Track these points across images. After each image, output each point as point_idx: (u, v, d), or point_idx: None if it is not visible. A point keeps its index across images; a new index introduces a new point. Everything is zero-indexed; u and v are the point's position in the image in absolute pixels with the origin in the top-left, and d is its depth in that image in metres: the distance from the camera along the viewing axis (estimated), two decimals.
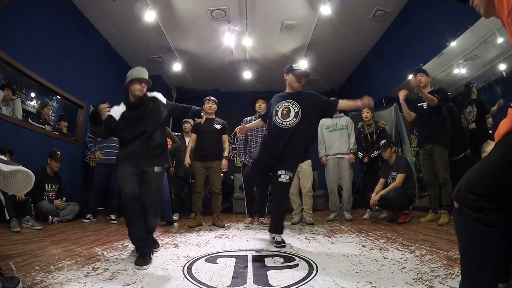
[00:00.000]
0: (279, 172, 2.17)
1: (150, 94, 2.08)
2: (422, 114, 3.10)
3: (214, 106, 3.46)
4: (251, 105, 3.66)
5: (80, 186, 4.58)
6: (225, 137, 3.46)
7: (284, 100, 2.31)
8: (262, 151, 2.35)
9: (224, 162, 3.40)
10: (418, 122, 3.17)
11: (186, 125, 4.36)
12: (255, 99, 3.60)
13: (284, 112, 2.24)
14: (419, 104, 3.14)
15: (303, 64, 5.92)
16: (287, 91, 2.38)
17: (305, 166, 3.59)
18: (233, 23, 4.85)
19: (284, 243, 2.15)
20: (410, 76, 3.27)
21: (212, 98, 3.50)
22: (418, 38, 4.25)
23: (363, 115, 4.03)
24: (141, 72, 2.03)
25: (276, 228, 2.24)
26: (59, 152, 3.54)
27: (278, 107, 2.29)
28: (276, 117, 2.26)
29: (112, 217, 3.68)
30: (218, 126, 3.42)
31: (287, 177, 2.16)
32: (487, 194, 0.82)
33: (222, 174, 5.79)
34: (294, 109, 2.23)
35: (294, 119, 2.21)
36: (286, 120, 2.22)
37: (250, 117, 3.66)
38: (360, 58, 6.21)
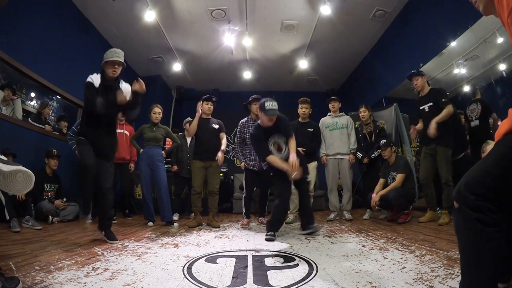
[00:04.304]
0: (305, 176, 2.68)
1: (121, 84, 2.32)
2: (425, 117, 3.10)
3: (212, 107, 3.48)
4: (245, 105, 3.52)
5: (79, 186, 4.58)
6: (222, 135, 3.48)
7: (268, 137, 2.65)
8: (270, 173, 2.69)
9: (220, 154, 3.34)
10: (423, 124, 3.17)
11: (188, 125, 4.36)
12: (252, 101, 3.44)
13: (276, 147, 2.67)
14: (421, 108, 3.14)
15: (302, 64, 5.95)
16: (262, 126, 2.63)
17: (311, 168, 3.61)
18: (233, 23, 4.85)
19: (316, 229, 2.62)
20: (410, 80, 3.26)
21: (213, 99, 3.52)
22: (418, 38, 4.25)
23: (360, 115, 4.02)
24: (115, 54, 2.21)
25: (312, 221, 2.65)
26: (54, 150, 3.54)
27: (270, 145, 2.66)
28: (276, 153, 2.64)
29: None
30: (216, 126, 3.44)
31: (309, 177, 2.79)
32: (487, 194, 0.82)
33: (221, 174, 5.81)
34: (281, 140, 2.66)
35: (286, 148, 2.64)
36: (281, 153, 2.65)
37: (246, 118, 3.60)
38: (360, 58, 6.21)
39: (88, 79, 2.21)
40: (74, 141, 3.80)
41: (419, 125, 3.19)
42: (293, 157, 2.49)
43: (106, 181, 2.31)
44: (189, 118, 4.46)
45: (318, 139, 3.78)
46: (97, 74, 2.27)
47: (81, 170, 2.30)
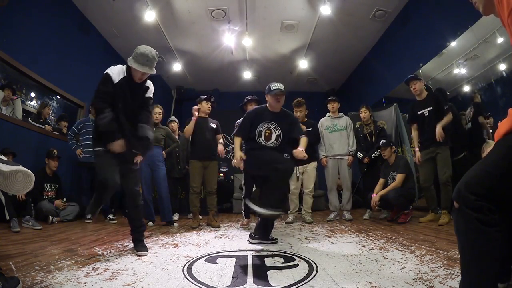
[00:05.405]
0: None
1: (148, 82, 2.05)
2: (424, 121, 3.10)
3: (211, 107, 3.50)
4: (241, 106, 3.50)
5: (79, 186, 4.58)
6: (219, 136, 3.51)
7: (266, 120, 2.39)
8: (252, 164, 2.39)
9: (220, 146, 3.45)
10: (420, 128, 3.19)
11: (172, 124, 4.33)
12: (248, 102, 3.41)
13: (267, 134, 2.38)
14: (419, 112, 3.14)
15: (302, 64, 5.95)
16: (269, 108, 2.45)
17: (310, 168, 3.61)
18: (233, 23, 4.85)
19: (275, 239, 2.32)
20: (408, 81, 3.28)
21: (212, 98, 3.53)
22: (418, 38, 4.25)
23: (361, 115, 4.02)
24: (148, 64, 1.88)
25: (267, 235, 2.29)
26: (55, 150, 3.54)
27: (261, 127, 2.38)
28: (260, 138, 2.37)
29: (111, 216, 3.68)
30: (214, 126, 3.47)
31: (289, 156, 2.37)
32: (487, 194, 0.82)
33: (222, 174, 5.81)
34: (276, 132, 2.38)
35: (275, 141, 2.37)
36: (268, 142, 2.37)
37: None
38: (360, 58, 6.21)
39: (108, 71, 1.89)
40: (74, 141, 3.81)
41: (415, 134, 3.26)
42: (301, 148, 2.37)
43: (132, 186, 2.01)
44: (173, 117, 4.47)
45: (317, 138, 3.78)
46: (121, 66, 1.94)
47: (99, 186, 1.94)
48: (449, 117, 2.97)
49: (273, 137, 2.36)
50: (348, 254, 1.83)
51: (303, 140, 2.43)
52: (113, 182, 1.87)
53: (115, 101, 1.89)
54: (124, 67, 1.94)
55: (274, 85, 2.40)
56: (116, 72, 1.90)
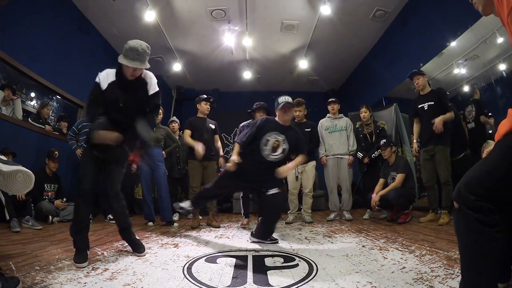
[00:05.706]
0: (270, 191, 2.24)
1: (144, 75, 1.88)
2: (424, 116, 3.10)
3: (210, 108, 3.50)
4: (250, 112, 3.43)
5: None
6: (217, 137, 3.52)
7: (276, 131, 2.33)
8: (237, 176, 2.31)
9: (222, 160, 3.48)
10: (420, 123, 3.19)
11: (173, 124, 4.32)
12: (256, 109, 3.31)
13: (275, 145, 2.29)
14: (419, 106, 3.14)
15: (302, 64, 5.94)
16: (278, 121, 2.42)
17: (309, 168, 3.60)
18: (233, 23, 4.85)
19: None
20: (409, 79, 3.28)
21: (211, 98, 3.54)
22: (418, 38, 4.25)
23: (361, 115, 4.02)
24: (136, 57, 1.74)
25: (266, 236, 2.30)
26: (56, 152, 3.54)
27: (269, 137, 2.30)
28: (265, 147, 2.28)
29: (111, 216, 3.68)
30: (212, 126, 3.48)
31: (276, 190, 2.25)
32: (487, 194, 0.82)
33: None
34: (283, 146, 2.31)
35: (281, 154, 2.30)
36: (274, 154, 2.29)
37: (247, 122, 3.51)
38: (360, 58, 6.21)
39: (97, 78, 1.83)
40: (74, 141, 3.81)
41: (416, 127, 3.25)
42: (291, 165, 2.32)
43: (113, 185, 1.88)
44: (174, 118, 4.47)
45: (317, 140, 3.77)
46: (111, 69, 1.86)
47: (77, 192, 1.84)
48: (451, 114, 2.96)
49: (280, 150, 2.30)
50: (348, 254, 1.83)
51: (299, 158, 2.39)
52: (87, 188, 1.79)
53: (109, 103, 1.81)
54: (115, 69, 1.85)
55: (282, 99, 2.39)
56: (103, 75, 1.82)
